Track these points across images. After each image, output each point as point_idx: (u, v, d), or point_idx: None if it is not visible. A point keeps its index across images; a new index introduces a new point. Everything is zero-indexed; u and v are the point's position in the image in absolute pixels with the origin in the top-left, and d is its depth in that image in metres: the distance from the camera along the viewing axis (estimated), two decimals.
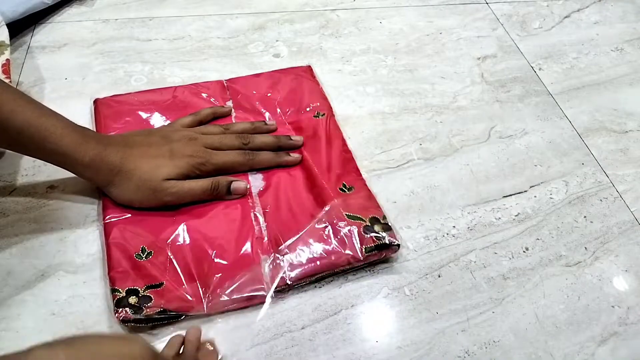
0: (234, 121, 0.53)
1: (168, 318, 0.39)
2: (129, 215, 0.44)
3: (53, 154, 0.41)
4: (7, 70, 0.51)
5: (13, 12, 0.58)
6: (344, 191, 0.47)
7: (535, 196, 0.52)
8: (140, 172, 0.43)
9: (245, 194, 0.46)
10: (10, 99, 0.39)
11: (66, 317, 0.40)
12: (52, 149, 0.40)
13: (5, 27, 0.55)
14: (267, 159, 0.48)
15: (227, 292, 0.40)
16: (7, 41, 0.54)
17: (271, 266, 0.42)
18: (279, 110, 0.54)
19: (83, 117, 0.53)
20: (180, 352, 0.36)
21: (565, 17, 0.73)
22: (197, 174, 0.45)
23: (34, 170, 0.49)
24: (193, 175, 0.45)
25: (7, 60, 0.52)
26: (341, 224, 0.44)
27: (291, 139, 0.50)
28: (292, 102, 0.55)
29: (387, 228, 0.44)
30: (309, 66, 0.60)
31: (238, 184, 0.46)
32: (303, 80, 0.58)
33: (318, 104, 0.55)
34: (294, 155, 0.49)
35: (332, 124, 0.54)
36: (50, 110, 0.42)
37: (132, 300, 0.39)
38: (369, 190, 0.48)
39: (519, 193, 0.52)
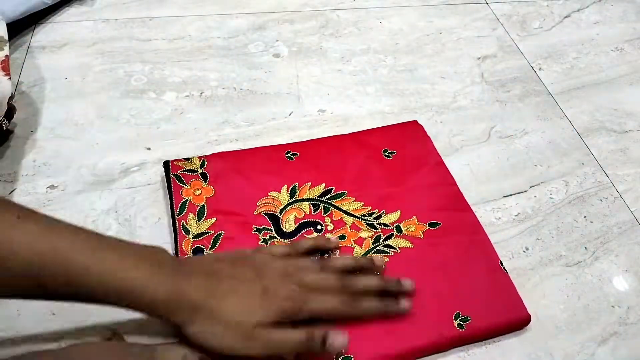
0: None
1: None
2: None
3: (114, 292, 0.32)
4: (6, 67, 0.51)
5: (13, 12, 0.58)
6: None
7: (535, 196, 0.52)
8: (229, 313, 0.34)
9: (342, 348, 0.36)
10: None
11: (66, 317, 0.40)
12: (116, 286, 0.32)
13: (3, 22, 0.55)
14: (371, 308, 0.39)
15: None
16: (6, 37, 0.54)
17: None
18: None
19: (83, 116, 0.53)
20: None
21: (565, 17, 0.73)
22: (288, 321, 0.36)
23: (34, 170, 0.49)
24: (283, 322, 0.35)
25: (6, 56, 0.52)
26: None
27: (401, 284, 0.40)
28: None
29: None
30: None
31: (335, 338, 0.35)
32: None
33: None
34: (403, 304, 0.39)
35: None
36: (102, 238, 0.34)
37: None
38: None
39: (519, 193, 0.52)
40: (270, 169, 0.48)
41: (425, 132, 0.54)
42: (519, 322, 0.41)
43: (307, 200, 0.46)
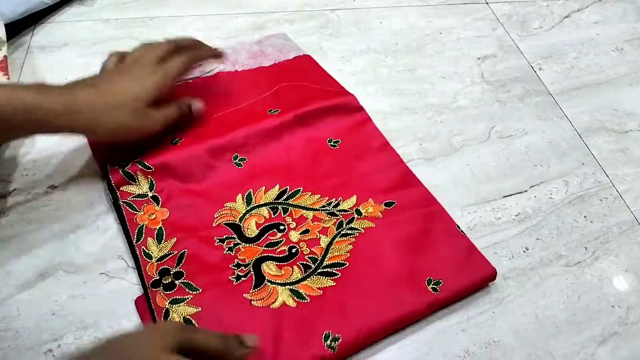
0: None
1: None
2: None
3: (23, 115, 0.38)
4: (4, 67, 0.51)
5: (13, 12, 0.58)
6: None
7: (535, 196, 0.52)
8: (122, 95, 0.42)
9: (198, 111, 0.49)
10: None
11: (66, 317, 0.40)
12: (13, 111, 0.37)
13: (1, 22, 0.55)
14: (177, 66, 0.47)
15: None
16: (4, 37, 0.54)
17: None
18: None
19: None
20: None
21: (565, 17, 0.73)
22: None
23: (34, 170, 0.49)
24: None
25: (5, 57, 0.52)
26: None
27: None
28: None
29: None
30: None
31: (195, 104, 0.49)
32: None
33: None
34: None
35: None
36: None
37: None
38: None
39: (519, 193, 0.52)
40: (222, 180, 0.47)
41: (365, 112, 0.55)
42: (486, 277, 0.43)
43: (265, 205, 0.46)
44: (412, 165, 0.52)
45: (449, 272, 0.43)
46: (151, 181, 0.46)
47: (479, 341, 0.41)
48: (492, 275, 0.43)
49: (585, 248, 0.48)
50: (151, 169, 0.46)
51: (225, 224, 0.45)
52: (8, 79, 0.51)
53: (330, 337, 0.38)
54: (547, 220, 0.50)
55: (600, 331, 0.43)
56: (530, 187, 0.52)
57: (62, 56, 0.60)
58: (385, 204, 0.47)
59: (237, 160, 0.49)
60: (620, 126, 0.60)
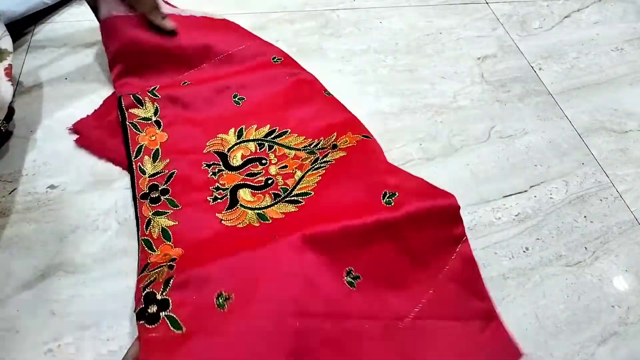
0: None
1: None
2: None
3: None
4: (9, 73, 0.52)
5: (13, 12, 0.58)
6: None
7: (535, 196, 0.52)
8: None
9: None
10: None
11: (66, 317, 0.40)
12: None
13: (8, 36, 0.56)
14: None
15: None
16: (10, 49, 0.55)
17: None
18: None
19: (83, 116, 0.53)
20: None
21: (565, 17, 0.73)
22: None
23: (34, 170, 0.49)
24: None
25: (9, 65, 0.53)
26: None
27: None
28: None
29: None
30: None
31: None
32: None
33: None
34: None
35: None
36: None
37: None
38: None
39: (519, 193, 0.52)
40: (219, 114, 0.53)
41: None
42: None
43: (253, 140, 0.51)
44: (412, 165, 0.52)
45: (405, 188, 0.45)
46: (156, 107, 0.52)
47: None
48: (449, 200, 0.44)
49: (585, 248, 0.48)
50: (158, 96, 0.52)
51: (214, 151, 0.50)
52: (12, 84, 0.51)
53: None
54: (547, 220, 0.50)
55: (600, 331, 0.43)
56: (530, 187, 0.52)
57: (62, 56, 0.60)
58: (364, 136, 0.50)
59: (236, 99, 0.54)
60: (620, 126, 0.60)
